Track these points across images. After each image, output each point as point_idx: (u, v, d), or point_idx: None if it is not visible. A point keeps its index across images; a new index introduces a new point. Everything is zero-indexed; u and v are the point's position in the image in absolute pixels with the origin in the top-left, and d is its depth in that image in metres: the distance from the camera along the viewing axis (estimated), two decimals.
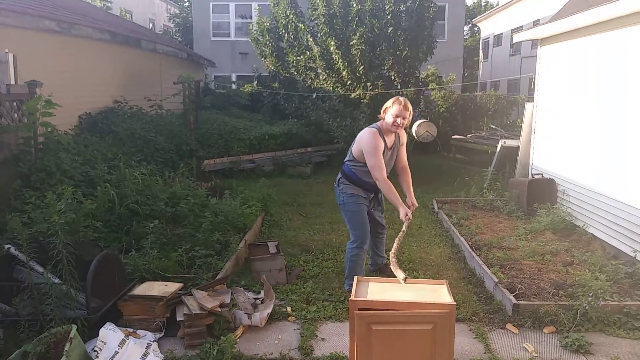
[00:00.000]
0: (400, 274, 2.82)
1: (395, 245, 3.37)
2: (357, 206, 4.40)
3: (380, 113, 4.33)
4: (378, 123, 4.32)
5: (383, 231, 4.85)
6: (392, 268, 3.04)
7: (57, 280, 3.49)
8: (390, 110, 4.18)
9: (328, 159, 11.62)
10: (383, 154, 4.21)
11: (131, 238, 4.98)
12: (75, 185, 5.37)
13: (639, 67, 5.07)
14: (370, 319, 2.33)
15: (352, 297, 2.34)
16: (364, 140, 4.22)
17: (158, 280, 4.20)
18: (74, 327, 3.07)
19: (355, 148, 4.33)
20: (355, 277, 2.56)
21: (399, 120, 4.15)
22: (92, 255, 3.72)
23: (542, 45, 7.44)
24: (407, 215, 3.89)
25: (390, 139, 4.32)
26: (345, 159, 4.50)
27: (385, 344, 2.37)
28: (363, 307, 2.32)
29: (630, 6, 4.93)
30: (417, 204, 4.29)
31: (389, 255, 3.52)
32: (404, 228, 3.70)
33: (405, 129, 4.48)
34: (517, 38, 8.11)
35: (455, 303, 2.36)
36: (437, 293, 2.53)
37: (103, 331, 3.25)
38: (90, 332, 3.37)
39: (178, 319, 3.65)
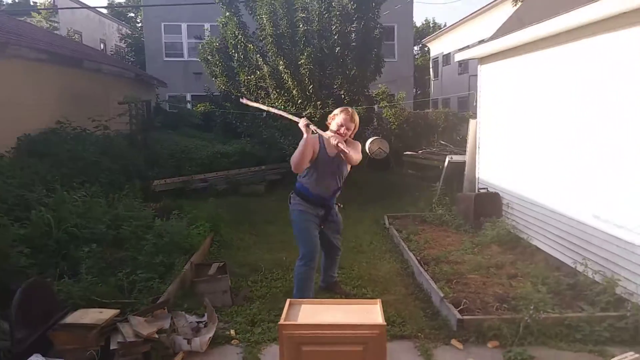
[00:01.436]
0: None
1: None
2: (305, 223, 4.32)
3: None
4: None
5: (338, 253, 4.80)
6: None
7: None
8: (337, 118, 4.18)
9: (282, 177, 11.56)
10: (319, 158, 4.16)
11: (68, 263, 4.74)
12: (8, 209, 5.10)
13: (571, 83, 5.28)
14: (299, 339, 2.28)
15: (282, 322, 2.29)
16: None
17: (95, 307, 3.98)
18: None
19: None
20: (288, 300, 2.50)
21: (342, 130, 4.12)
22: (20, 284, 3.50)
23: (482, 64, 7.68)
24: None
25: (332, 148, 4.08)
26: (298, 176, 4.43)
27: None
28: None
29: (554, 27, 5.19)
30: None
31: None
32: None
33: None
34: (458, 57, 8.36)
35: (385, 324, 2.32)
36: (370, 313, 2.50)
37: None
38: None
39: (112, 347, 3.47)
